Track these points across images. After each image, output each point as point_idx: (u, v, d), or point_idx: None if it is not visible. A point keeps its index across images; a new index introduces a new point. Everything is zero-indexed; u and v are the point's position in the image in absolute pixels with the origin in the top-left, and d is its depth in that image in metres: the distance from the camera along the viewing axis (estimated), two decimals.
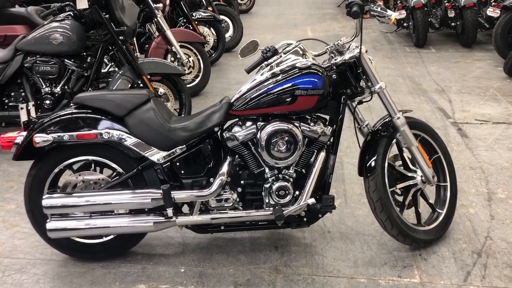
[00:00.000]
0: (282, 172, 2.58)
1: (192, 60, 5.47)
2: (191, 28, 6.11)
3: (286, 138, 2.49)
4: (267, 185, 2.58)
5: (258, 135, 2.51)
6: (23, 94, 4.05)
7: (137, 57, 4.59)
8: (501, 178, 3.54)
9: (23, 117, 2.64)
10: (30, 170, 2.61)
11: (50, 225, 2.54)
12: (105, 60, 4.50)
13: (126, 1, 4.23)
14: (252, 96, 2.48)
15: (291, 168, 2.59)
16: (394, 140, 2.71)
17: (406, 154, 2.77)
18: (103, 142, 2.52)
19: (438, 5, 7.52)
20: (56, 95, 3.99)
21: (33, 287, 2.58)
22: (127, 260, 2.75)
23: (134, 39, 5.22)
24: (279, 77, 2.48)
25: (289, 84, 2.45)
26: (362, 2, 2.47)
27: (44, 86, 3.99)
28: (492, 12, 6.70)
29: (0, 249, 2.89)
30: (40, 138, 2.47)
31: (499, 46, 6.20)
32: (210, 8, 6.96)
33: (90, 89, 4.13)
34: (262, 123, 2.52)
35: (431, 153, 2.85)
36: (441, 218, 2.83)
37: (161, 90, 4.44)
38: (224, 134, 2.56)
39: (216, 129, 2.58)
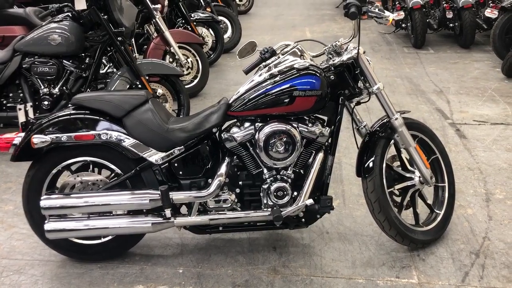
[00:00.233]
0: (281, 173, 2.59)
1: (191, 61, 5.47)
2: (190, 29, 6.11)
3: (284, 139, 2.49)
4: (265, 186, 2.59)
5: (256, 136, 2.51)
6: (21, 95, 4.05)
7: (136, 58, 4.59)
8: (499, 178, 3.54)
9: (21, 118, 2.64)
10: (28, 171, 2.61)
11: (48, 226, 2.54)
12: (103, 61, 4.50)
13: (124, 2, 4.23)
14: (250, 97, 2.49)
15: (289, 169, 2.59)
16: (392, 141, 2.71)
17: (404, 155, 2.78)
18: (101, 143, 2.51)
19: (437, 6, 7.53)
20: (55, 96, 3.99)
21: None
22: (125, 261, 2.75)
23: (133, 40, 5.22)
24: (277, 78, 2.48)
25: (287, 85, 2.45)
26: (360, 3, 2.47)
27: (42, 87, 3.99)
28: (490, 13, 6.72)
29: None
30: (38, 139, 2.47)
31: (497, 47, 6.21)
32: (208, 9, 6.96)
33: (88, 90, 4.13)
34: (260, 124, 2.53)
35: (429, 154, 2.86)
36: (439, 218, 2.83)
37: (160, 91, 4.44)
38: (222, 135, 2.56)
39: (214, 130, 2.58)
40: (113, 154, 2.57)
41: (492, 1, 6.99)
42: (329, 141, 2.61)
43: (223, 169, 2.55)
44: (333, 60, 2.59)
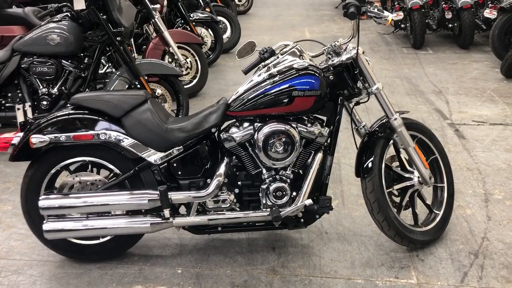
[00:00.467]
0: (280, 173, 2.58)
1: (190, 61, 5.46)
2: (189, 29, 6.11)
3: (283, 139, 2.49)
4: (264, 186, 2.58)
5: (255, 136, 2.51)
6: (20, 95, 4.04)
7: (135, 58, 4.59)
8: (498, 179, 3.54)
9: (20, 118, 2.63)
10: (26, 171, 2.60)
11: (46, 226, 2.54)
12: (102, 61, 4.50)
13: (123, 2, 4.23)
14: (250, 97, 2.48)
15: (288, 169, 2.59)
16: (391, 141, 2.71)
17: (403, 155, 2.78)
18: (100, 143, 2.51)
19: (436, 6, 7.54)
20: (53, 96, 3.98)
21: None
22: (124, 261, 2.75)
23: (132, 40, 5.22)
24: (276, 78, 2.48)
25: (286, 85, 2.45)
26: (359, 3, 2.47)
27: (41, 87, 3.98)
28: (489, 13, 6.73)
29: None
30: (36, 139, 2.47)
31: (496, 47, 6.21)
32: (207, 9, 6.96)
33: (87, 90, 4.12)
34: (259, 124, 2.52)
35: (428, 154, 2.86)
36: (438, 219, 2.83)
37: (159, 91, 4.44)
38: (221, 135, 2.56)
39: (213, 130, 2.58)
40: (112, 154, 2.56)
41: (491, 2, 7.00)
42: (328, 141, 2.61)
43: (222, 169, 2.55)
44: (332, 60, 2.59)
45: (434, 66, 6.48)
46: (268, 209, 2.56)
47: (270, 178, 2.59)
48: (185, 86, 5.11)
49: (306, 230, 2.94)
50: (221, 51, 6.78)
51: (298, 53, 2.58)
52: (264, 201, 2.59)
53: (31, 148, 2.48)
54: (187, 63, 5.42)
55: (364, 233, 2.94)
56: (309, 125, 2.54)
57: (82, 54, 4.07)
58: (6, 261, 2.79)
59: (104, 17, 3.95)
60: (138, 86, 4.10)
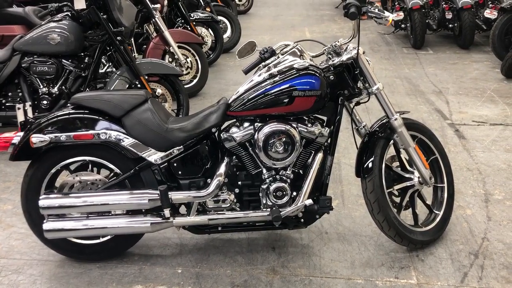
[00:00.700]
0: (280, 173, 2.58)
1: (190, 60, 5.46)
2: (189, 28, 6.11)
3: (284, 139, 2.49)
4: (264, 186, 2.58)
5: (255, 136, 2.51)
6: (20, 94, 4.04)
7: (135, 58, 4.58)
8: (498, 179, 3.55)
9: (20, 117, 2.63)
10: (27, 170, 2.60)
11: (46, 225, 2.54)
12: (102, 60, 4.50)
13: (124, 1, 4.23)
14: (250, 97, 2.48)
15: (288, 169, 2.59)
16: (392, 141, 2.71)
17: (404, 155, 2.78)
18: (100, 142, 2.51)
19: (436, 6, 7.54)
20: (54, 95, 3.98)
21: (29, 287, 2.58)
22: (124, 261, 2.75)
23: (132, 39, 5.22)
24: (277, 78, 2.48)
25: (287, 85, 2.45)
26: (359, 3, 2.47)
27: (41, 86, 3.98)
28: (490, 14, 6.73)
29: None
30: (37, 139, 2.47)
31: (496, 47, 6.21)
32: (208, 9, 6.96)
33: (87, 89, 4.12)
34: (259, 124, 2.52)
35: (428, 154, 2.86)
36: (438, 219, 2.83)
37: (159, 90, 4.44)
38: (221, 135, 2.56)
39: (213, 129, 2.58)
40: (112, 153, 2.56)
41: (492, 2, 7.00)
42: (329, 141, 2.61)
43: (222, 169, 2.55)
44: (333, 60, 2.59)
45: (434, 66, 6.48)
46: (268, 209, 2.56)
47: (270, 178, 2.59)
48: (185, 86, 5.12)
49: (306, 230, 2.94)
50: (222, 51, 6.78)
51: (299, 53, 2.58)
52: (264, 201, 2.59)
53: (32, 147, 2.48)
54: (188, 62, 5.42)
55: (364, 233, 2.94)
56: (309, 125, 2.54)
57: (82, 54, 4.07)
58: (6, 261, 2.79)
59: (105, 16, 3.95)
60: (139, 85, 4.10)
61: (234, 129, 2.54)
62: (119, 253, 2.78)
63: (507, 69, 5.73)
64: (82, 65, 4.06)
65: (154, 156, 2.53)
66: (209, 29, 6.59)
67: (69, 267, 2.71)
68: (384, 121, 2.70)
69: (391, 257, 2.73)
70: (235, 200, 2.61)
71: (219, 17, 7.03)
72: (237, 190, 2.61)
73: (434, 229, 2.80)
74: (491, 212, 3.14)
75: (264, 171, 2.59)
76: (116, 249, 2.76)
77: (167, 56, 5.32)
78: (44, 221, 2.55)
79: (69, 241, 2.68)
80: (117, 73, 4.10)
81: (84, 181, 2.62)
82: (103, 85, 4.27)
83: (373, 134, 2.69)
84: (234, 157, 2.60)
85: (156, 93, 4.40)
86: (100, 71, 4.45)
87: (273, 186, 2.55)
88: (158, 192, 2.50)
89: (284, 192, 2.56)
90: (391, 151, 2.75)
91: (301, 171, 2.62)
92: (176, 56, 5.23)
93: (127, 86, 4.11)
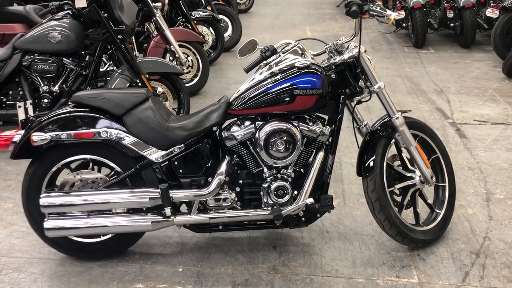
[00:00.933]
0: (281, 172, 2.58)
1: (191, 59, 5.46)
2: (190, 27, 6.10)
3: (285, 137, 2.49)
4: (265, 185, 2.58)
5: (256, 135, 2.50)
6: (21, 92, 4.04)
7: (136, 56, 4.58)
8: (500, 178, 3.54)
9: (21, 116, 2.63)
10: (27, 168, 2.60)
11: (47, 224, 2.53)
12: (103, 59, 4.50)
13: (125, 0, 4.22)
14: (251, 96, 2.48)
15: (289, 168, 2.58)
16: (393, 140, 2.70)
17: (405, 154, 2.77)
18: (101, 141, 2.51)
19: (437, 5, 7.52)
20: (54, 93, 3.98)
21: (30, 286, 2.58)
22: (125, 260, 2.75)
23: (133, 38, 5.21)
24: (278, 77, 2.47)
25: (288, 84, 2.45)
26: (361, 2, 2.46)
27: (42, 85, 3.98)
28: (491, 12, 6.71)
29: None
30: (38, 137, 2.46)
31: (497, 46, 6.20)
32: (209, 8, 6.95)
33: (88, 88, 4.12)
34: (260, 123, 2.52)
35: (429, 153, 2.85)
36: (439, 218, 2.83)
37: (160, 89, 4.43)
38: (222, 133, 2.55)
39: (214, 128, 2.57)
40: (113, 152, 2.56)
41: (493, 1, 6.98)
42: (330, 140, 2.61)
43: (223, 167, 2.55)
44: (334, 59, 2.58)
45: (435, 65, 6.47)
46: (269, 208, 2.56)
47: (272, 177, 2.58)
48: (186, 85, 5.11)
49: (307, 229, 2.94)
50: (222, 50, 6.77)
51: (300, 52, 2.58)
52: (265, 200, 2.59)
53: (32, 146, 2.48)
54: (188, 61, 5.41)
55: (365, 232, 2.93)
56: (310, 123, 2.54)
57: (83, 52, 4.07)
58: (7, 259, 2.79)
59: (106, 15, 3.94)
60: (139, 84, 4.10)
61: (235, 128, 2.54)
62: (120, 251, 2.78)
63: (508, 68, 5.72)
64: (83, 64, 4.06)
65: (155, 154, 2.53)
66: (210, 28, 6.58)
67: (70, 265, 2.71)
68: (386, 120, 2.70)
69: (392, 256, 2.72)
70: (236, 199, 2.61)
71: (220, 16, 7.01)
72: (238, 189, 2.61)
73: (436, 228, 2.79)
74: (493, 211, 3.13)
75: (265, 169, 2.58)
76: (117, 248, 2.76)
77: (168, 55, 5.32)
78: (45, 219, 2.55)
79: (69, 240, 2.68)
80: (118, 71, 4.10)
81: (85, 180, 2.62)
82: (104, 83, 4.27)
83: (375, 133, 2.69)
84: (235, 155, 2.59)
85: (157, 92, 4.40)
86: (101, 69, 4.45)
87: (274, 185, 2.55)
88: (159, 190, 2.50)
89: (285, 191, 2.56)
90: (392, 150, 2.75)
91: (302, 170, 2.61)
92: (177, 55, 5.23)
93: (128, 84, 4.10)
